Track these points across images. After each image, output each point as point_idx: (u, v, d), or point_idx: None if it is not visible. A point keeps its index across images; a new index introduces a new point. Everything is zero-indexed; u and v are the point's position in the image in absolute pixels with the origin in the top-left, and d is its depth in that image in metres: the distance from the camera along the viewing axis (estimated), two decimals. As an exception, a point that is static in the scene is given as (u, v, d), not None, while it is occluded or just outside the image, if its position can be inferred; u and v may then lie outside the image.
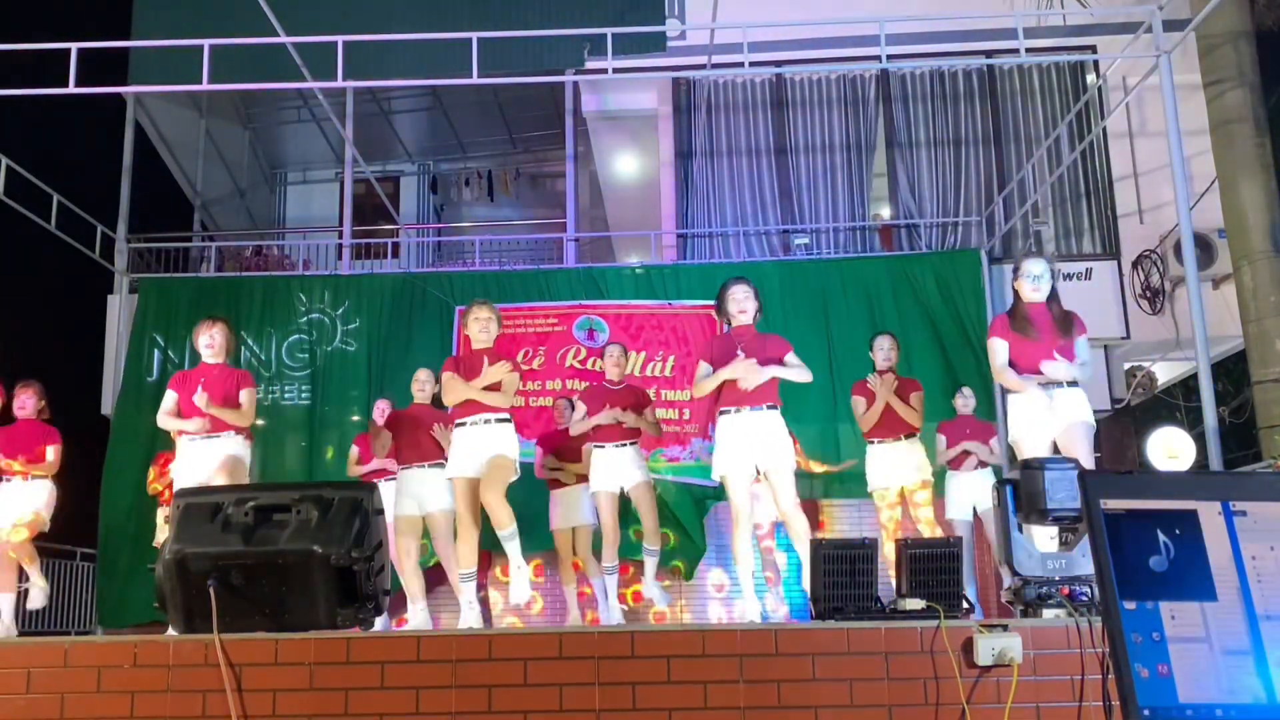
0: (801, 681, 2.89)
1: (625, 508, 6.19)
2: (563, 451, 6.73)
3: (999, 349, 4.84)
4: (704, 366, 5.02)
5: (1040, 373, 4.70)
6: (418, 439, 6.26)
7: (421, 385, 6.57)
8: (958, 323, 8.79)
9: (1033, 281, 4.84)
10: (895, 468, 6.32)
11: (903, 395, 6.33)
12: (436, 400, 6.23)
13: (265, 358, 8.94)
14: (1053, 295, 4.88)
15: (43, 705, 2.90)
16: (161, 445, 7.82)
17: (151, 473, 7.60)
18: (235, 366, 5.63)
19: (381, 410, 7.08)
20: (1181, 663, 1.47)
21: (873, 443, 6.41)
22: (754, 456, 4.87)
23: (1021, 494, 3.50)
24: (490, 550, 6.96)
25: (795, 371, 4.95)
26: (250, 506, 3.11)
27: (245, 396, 5.36)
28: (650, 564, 6.14)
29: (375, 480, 6.63)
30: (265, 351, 8.98)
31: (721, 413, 4.97)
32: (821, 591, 3.74)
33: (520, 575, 5.04)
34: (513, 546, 5.07)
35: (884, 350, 6.42)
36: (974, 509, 6.77)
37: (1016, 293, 4.95)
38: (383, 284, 9.30)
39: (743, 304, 5.02)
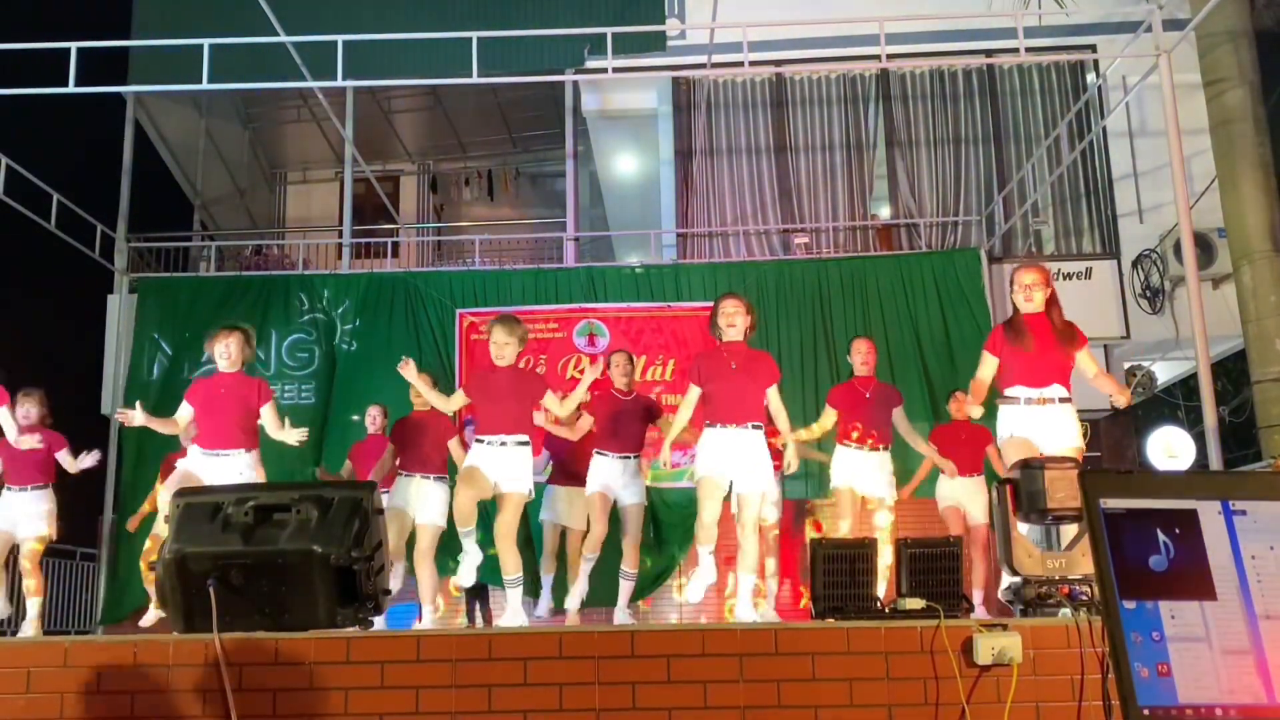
0: (801, 681, 2.89)
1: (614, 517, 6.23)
2: (569, 462, 6.70)
3: (986, 363, 4.85)
4: (693, 390, 5.08)
5: (1036, 385, 4.66)
6: (421, 449, 6.24)
7: (418, 392, 6.55)
8: (957, 323, 8.78)
9: (1025, 292, 4.78)
10: (862, 474, 6.21)
11: (886, 406, 6.29)
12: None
13: (265, 358, 8.93)
14: (1053, 302, 4.79)
15: (43, 705, 2.90)
16: (169, 449, 7.84)
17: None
18: (250, 375, 5.59)
19: (373, 417, 7.03)
20: (1181, 662, 1.47)
21: (847, 445, 6.29)
22: (732, 474, 4.92)
23: (1021, 494, 3.51)
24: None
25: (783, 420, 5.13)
26: (250, 506, 3.10)
27: (267, 413, 5.39)
28: (625, 588, 6.17)
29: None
30: (265, 351, 8.96)
31: (707, 426, 5.02)
32: (821, 591, 3.74)
33: (515, 616, 5.17)
34: (515, 593, 5.18)
35: (862, 354, 6.35)
36: (964, 518, 6.78)
37: (1013, 304, 4.91)
38: (383, 284, 9.29)
39: (732, 319, 5.05)
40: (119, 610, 8.43)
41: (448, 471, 6.31)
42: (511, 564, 5.11)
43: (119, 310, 9.44)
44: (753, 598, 5.04)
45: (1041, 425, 4.62)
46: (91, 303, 10.04)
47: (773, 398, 5.07)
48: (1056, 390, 4.67)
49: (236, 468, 5.22)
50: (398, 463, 6.35)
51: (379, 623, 4.55)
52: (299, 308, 9.15)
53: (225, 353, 5.33)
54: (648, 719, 2.88)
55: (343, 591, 3.07)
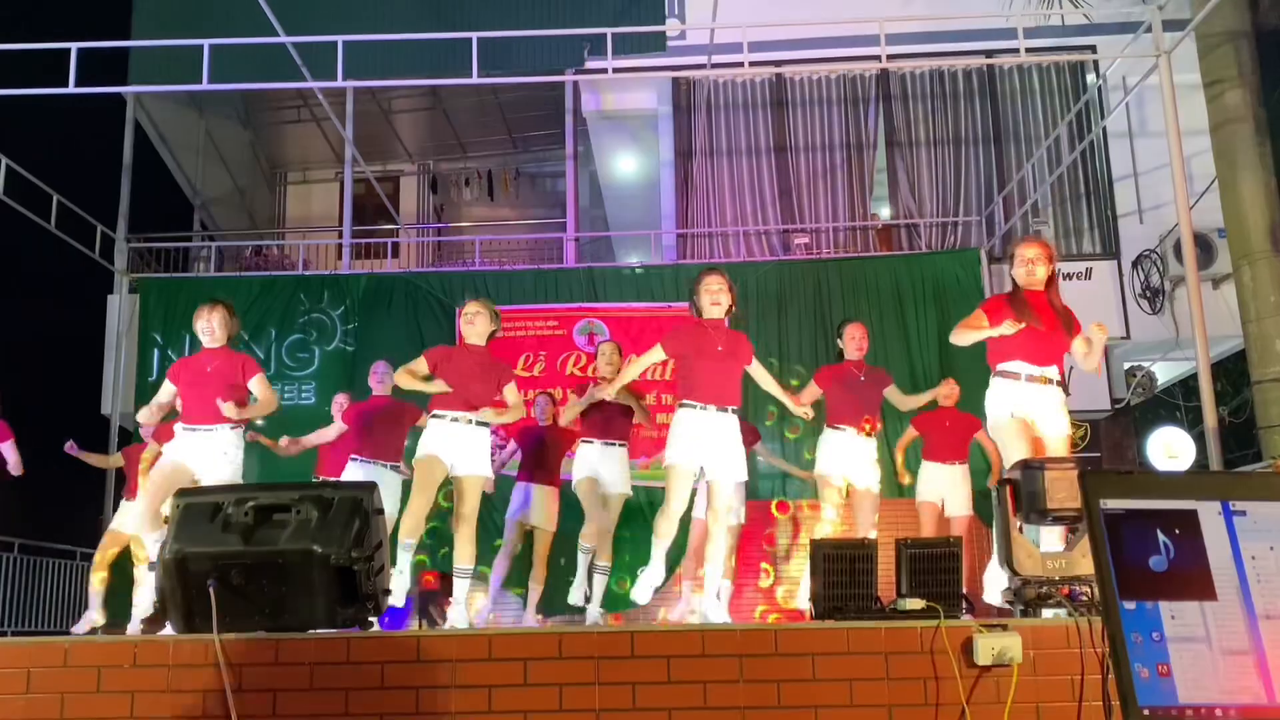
0: (801, 681, 2.89)
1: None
2: (539, 458, 6.73)
3: (978, 316, 4.55)
4: (657, 351, 4.87)
5: (1038, 363, 4.42)
6: (379, 435, 6.20)
7: (382, 379, 6.46)
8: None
9: (1027, 266, 4.52)
10: (851, 461, 6.01)
11: (878, 388, 6.16)
12: (398, 392, 6.23)
13: (265, 358, 8.93)
14: (1053, 283, 4.56)
15: (43, 705, 2.90)
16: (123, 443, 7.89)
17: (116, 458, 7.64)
18: (236, 351, 5.40)
19: (340, 405, 7.02)
20: (1181, 663, 1.47)
21: (838, 429, 6.05)
22: (704, 459, 4.73)
23: (1021, 494, 3.50)
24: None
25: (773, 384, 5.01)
26: (250, 506, 3.10)
27: (258, 386, 5.16)
28: (600, 583, 6.13)
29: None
30: (265, 351, 8.97)
31: (683, 405, 4.78)
32: (821, 591, 3.74)
33: (458, 609, 5.05)
34: (464, 584, 5.06)
35: (856, 339, 6.12)
36: (942, 503, 6.80)
37: (1014, 280, 4.62)
38: (382, 284, 9.29)
39: (716, 296, 4.82)
40: (118, 610, 8.42)
41: (404, 459, 6.28)
42: (468, 554, 5.00)
43: (119, 310, 9.44)
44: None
45: (1040, 405, 4.42)
46: (91, 303, 10.05)
47: (757, 370, 4.92)
48: (1054, 372, 4.48)
49: (219, 445, 5.04)
50: (356, 449, 6.34)
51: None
52: (299, 308, 9.15)
53: (209, 329, 5.14)
54: (648, 719, 2.88)
55: (343, 591, 3.07)
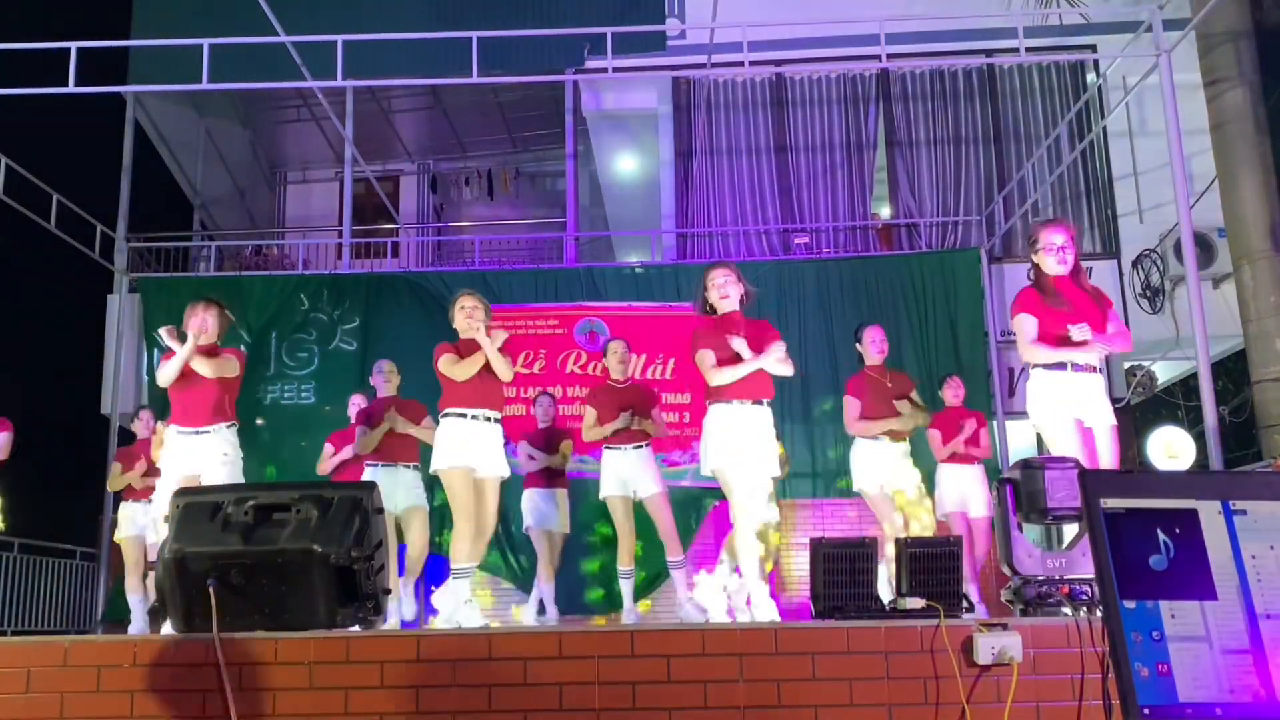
0: (801, 681, 2.89)
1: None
2: (548, 454, 6.73)
3: (1028, 325, 4.28)
4: (710, 355, 4.56)
5: (1075, 345, 4.19)
6: (391, 436, 6.11)
7: (387, 377, 6.38)
8: (957, 322, 8.79)
9: (1058, 254, 4.28)
10: (888, 468, 5.90)
11: (904, 394, 6.03)
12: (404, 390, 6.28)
13: (265, 357, 8.93)
14: (1076, 268, 4.37)
15: (42, 705, 2.90)
16: (123, 443, 7.88)
17: (116, 468, 7.59)
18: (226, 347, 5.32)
19: (356, 405, 6.98)
20: (1181, 662, 1.47)
21: (878, 439, 5.93)
22: (741, 452, 4.53)
23: (1021, 493, 3.50)
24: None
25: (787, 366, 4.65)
26: (250, 506, 3.10)
27: (223, 360, 5.04)
28: (679, 575, 5.82)
29: (345, 475, 6.55)
30: (265, 351, 8.97)
31: (714, 403, 4.59)
32: (821, 591, 3.74)
33: (469, 609, 4.97)
34: (465, 584, 4.96)
35: (876, 342, 6.01)
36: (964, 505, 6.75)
37: (1038, 267, 4.37)
38: (383, 284, 9.29)
39: (724, 289, 4.64)
40: (119, 610, 8.44)
41: (420, 459, 6.13)
42: (478, 552, 4.98)
43: (119, 310, 9.44)
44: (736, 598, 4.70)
45: (1086, 396, 4.24)
46: (91, 303, 10.05)
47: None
48: (1095, 358, 4.29)
49: (217, 447, 4.99)
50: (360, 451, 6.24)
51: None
52: (299, 308, 9.15)
53: (203, 327, 5.08)
54: (648, 719, 2.87)
55: (343, 591, 3.07)
